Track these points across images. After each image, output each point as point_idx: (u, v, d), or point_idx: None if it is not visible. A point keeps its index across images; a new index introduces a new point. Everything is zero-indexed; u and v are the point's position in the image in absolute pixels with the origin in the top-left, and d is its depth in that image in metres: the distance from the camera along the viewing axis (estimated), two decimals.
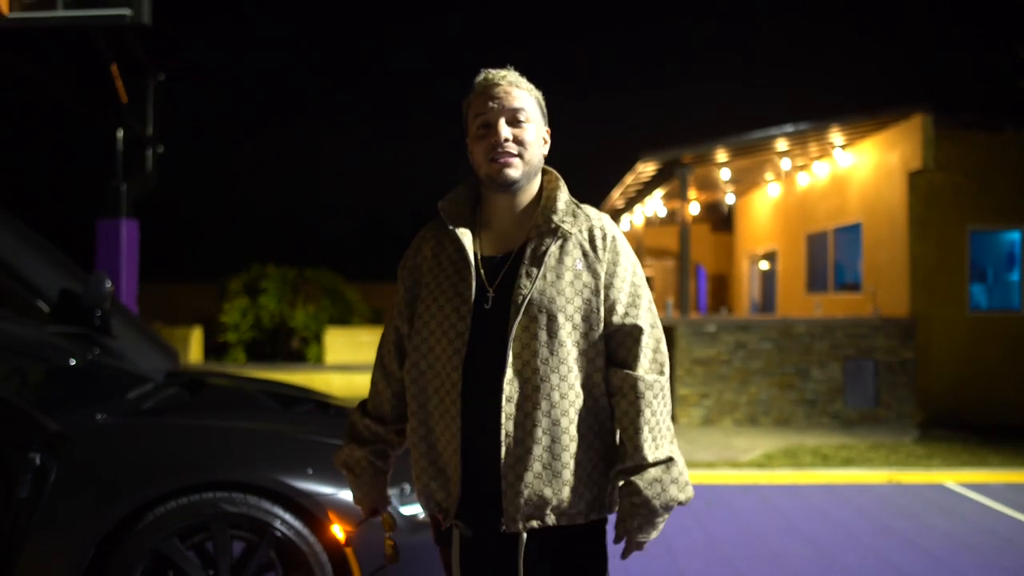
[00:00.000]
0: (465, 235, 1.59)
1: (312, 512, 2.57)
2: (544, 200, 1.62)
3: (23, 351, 3.59)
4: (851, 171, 10.53)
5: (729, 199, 14.66)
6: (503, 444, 1.51)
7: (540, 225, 1.58)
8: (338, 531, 2.56)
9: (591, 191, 16.25)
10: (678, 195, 9.89)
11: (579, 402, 1.54)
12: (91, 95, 6.32)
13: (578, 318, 1.54)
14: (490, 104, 1.57)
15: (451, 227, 1.60)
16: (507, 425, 1.51)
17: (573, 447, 1.53)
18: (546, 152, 1.65)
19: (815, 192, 11.81)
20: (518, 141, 1.56)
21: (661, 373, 1.59)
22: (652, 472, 1.53)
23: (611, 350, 1.59)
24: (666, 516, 1.56)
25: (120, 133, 6.44)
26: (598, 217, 1.64)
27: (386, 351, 1.71)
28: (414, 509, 2.69)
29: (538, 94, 1.64)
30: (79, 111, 6.42)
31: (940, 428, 8.45)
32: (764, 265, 14.78)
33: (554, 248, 1.56)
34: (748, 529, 4.74)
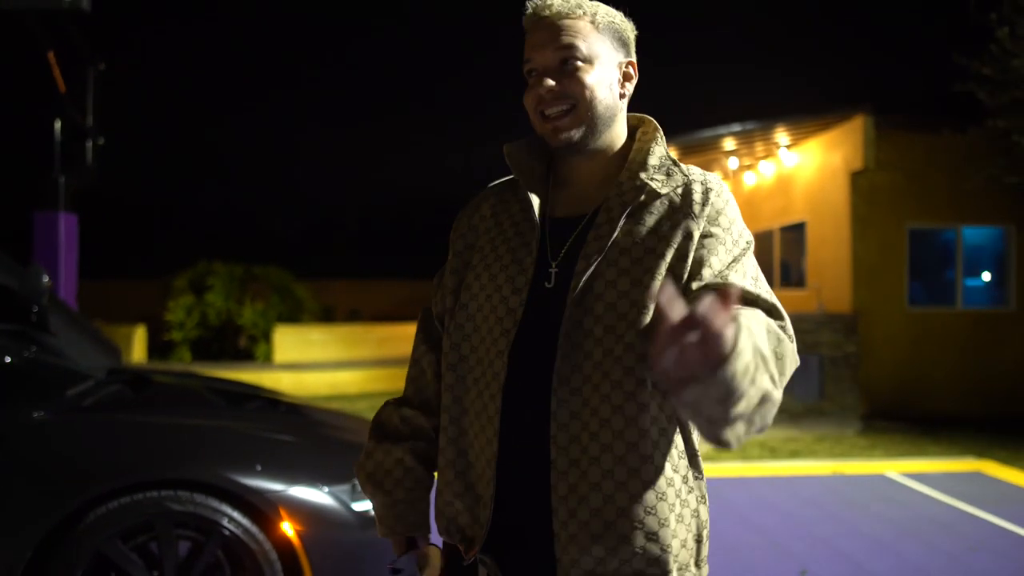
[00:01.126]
0: (534, 191, 1.27)
1: (262, 510, 2.51)
2: (635, 153, 1.28)
3: None
4: (796, 171, 10.79)
5: None
6: (554, 464, 1.14)
7: (623, 182, 1.24)
8: (288, 528, 2.51)
9: None
10: None
11: (654, 407, 1.15)
12: (27, 83, 6.08)
13: (654, 289, 1.17)
14: (534, 46, 1.24)
15: (517, 177, 1.28)
16: (559, 437, 1.14)
17: (648, 472, 1.13)
18: (628, 92, 1.28)
19: (761, 191, 12.06)
20: (567, 90, 1.21)
21: (780, 340, 1.12)
22: (752, 361, 0.98)
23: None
24: (715, 401, 0.96)
25: (58, 124, 6.22)
26: (701, 174, 1.26)
27: (430, 320, 1.38)
28: (365, 504, 2.65)
29: (608, 18, 1.25)
30: (14, 99, 6.17)
31: (882, 420, 8.73)
32: None
33: (636, 209, 1.21)
34: (741, 520, 4.81)
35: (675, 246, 1.18)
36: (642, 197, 1.22)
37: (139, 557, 2.51)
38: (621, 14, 1.28)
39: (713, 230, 1.20)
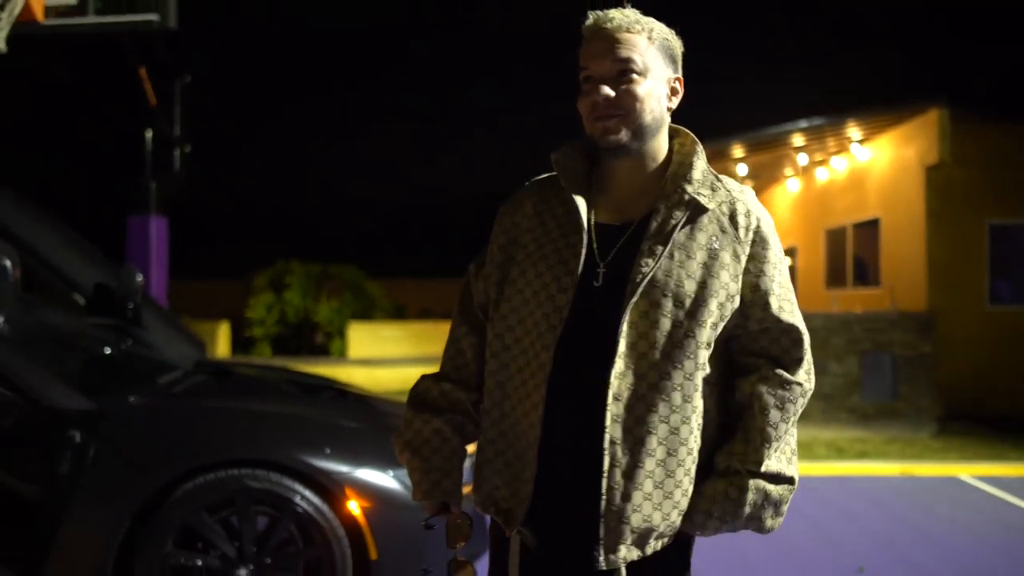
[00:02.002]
0: (579, 195, 1.33)
1: (330, 489, 2.72)
2: (675, 166, 1.35)
3: (64, 341, 3.80)
4: (869, 166, 10.51)
5: None
6: (606, 453, 1.24)
7: (670, 195, 1.31)
8: (354, 507, 2.72)
9: None
10: None
11: (702, 407, 1.29)
12: (121, 98, 6.56)
13: (712, 305, 1.27)
14: (593, 56, 1.31)
15: (564, 184, 1.34)
16: (613, 430, 1.24)
17: (689, 461, 1.28)
18: (673, 106, 1.35)
19: (834, 187, 11.79)
20: (621, 101, 1.28)
21: (808, 381, 1.36)
22: (769, 484, 1.30)
23: (761, 346, 1.34)
24: (737, 529, 1.33)
25: (149, 134, 6.68)
26: (741, 191, 1.36)
27: (470, 304, 1.46)
28: None
29: (662, 35, 1.33)
30: (110, 113, 6.67)
31: (958, 422, 8.45)
32: (787, 262, 14.75)
33: (685, 223, 1.29)
34: None
35: (727, 267, 1.29)
36: (691, 211, 1.30)
37: (222, 529, 2.76)
38: (673, 32, 1.36)
39: (769, 255, 1.33)
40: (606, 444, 1.24)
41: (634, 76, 1.29)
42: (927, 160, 8.84)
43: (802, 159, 11.20)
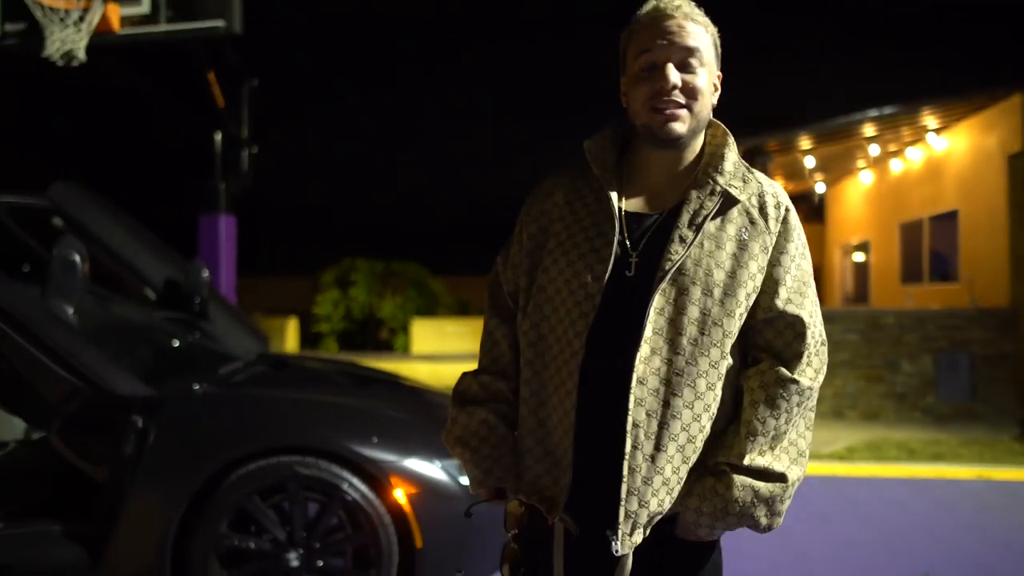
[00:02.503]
0: (610, 184, 1.34)
1: (377, 477, 2.79)
2: (708, 157, 1.35)
3: (134, 333, 4.00)
4: (946, 156, 10.06)
5: (819, 188, 14.22)
6: (628, 435, 1.24)
7: (702, 185, 1.31)
8: (400, 496, 2.78)
9: None
10: None
11: (723, 396, 1.30)
12: (192, 102, 6.84)
13: (740, 296, 1.28)
14: (659, 40, 1.28)
15: (596, 172, 1.35)
16: (636, 413, 1.25)
17: (704, 448, 1.30)
18: (715, 103, 1.36)
19: (909, 178, 11.33)
20: (688, 90, 1.29)
21: (815, 379, 1.33)
22: (756, 481, 1.28)
23: (765, 339, 1.33)
24: (733, 528, 1.31)
25: (218, 136, 6.94)
26: (771, 184, 1.37)
27: (500, 295, 1.47)
28: None
29: (714, 30, 1.35)
30: (182, 116, 6.96)
31: None
32: (859, 257, 14.27)
33: (716, 213, 1.30)
34: (821, 518, 4.71)
35: (756, 258, 1.30)
36: (722, 202, 1.30)
37: (275, 514, 2.86)
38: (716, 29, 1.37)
39: (789, 247, 1.33)
40: (628, 427, 1.24)
41: (698, 68, 1.30)
42: (1009, 148, 8.40)
43: (874, 150, 10.80)
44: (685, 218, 1.29)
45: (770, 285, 1.31)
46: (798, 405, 1.30)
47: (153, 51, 6.03)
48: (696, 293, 1.26)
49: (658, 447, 1.25)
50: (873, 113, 8.56)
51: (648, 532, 1.28)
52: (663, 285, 1.26)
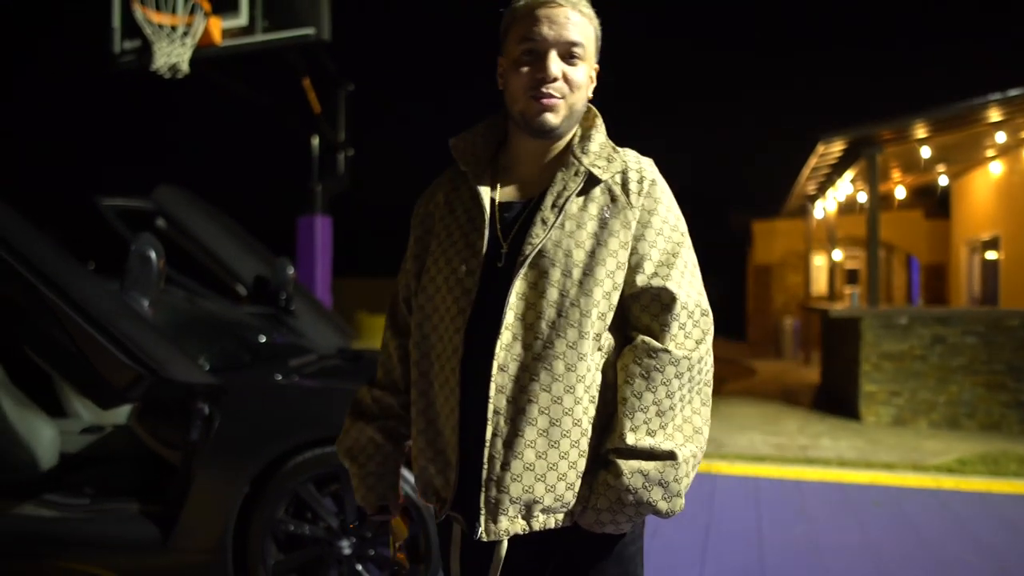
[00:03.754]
0: (480, 178, 1.34)
1: None
2: (576, 139, 1.35)
3: (222, 327, 4.24)
4: None
5: (942, 181, 13.25)
6: (489, 423, 1.24)
7: (566, 167, 1.31)
8: None
9: (774, 177, 15.39)
10: (872, 178, 9.16)
11: (591, 377, 1.26)
12: (290, 107, 7.17)
13: (600, 275, 1.26)
14: (543, 29, 1.27)
15: (463, 168, 1.36)
16: (496, 400, 1.24)
17: (576, 433, 1.25)
18: (591, 95, 1.36)
19: None
20: (568, 81, 1.29)
21: (695, 349, 1.28)
22: (644, 463, 1.24)
23: (635, 315, 1.30)
24: (638, 517, 1.27)
25: (315, 140, 7.25)
26: (636, 160, 1.35)
27: (395, 306, 1.50)
28: None
29: (597, 23, 1.34)
30: (280, 122, 7.31)
31: None
32: (991, 255, 13.18)
33: (578, 194, 1.29)
34: (916, 534, 4.38)
35: (617, 234, 1.28)
36: (584, 182, 1.30)
37: (332, 503, 2.95)
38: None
39: (653, 220, 1.31)
40: (489, 414, 1.25)
41: (579, 61, 1.30)
42: None
43: (1000, 137, 9.94)
44: (548, 201, 1.29)
45: (635, 260, 1.29)
46: (677, 377, 1.27)
47: (253, 60, 6.36)
48: (556, 275, 1.25)
49: (516, 432, 1.24)
50: (996, 96, 7.87)
51: (531, 524, 1.26)
52: (523, 270, 1.26)
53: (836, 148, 9.70)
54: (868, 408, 7.93)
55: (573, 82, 1.30)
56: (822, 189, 12.54)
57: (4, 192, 2.63)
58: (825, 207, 13.00)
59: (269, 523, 2.82)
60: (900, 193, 13.12)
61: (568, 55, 1.29)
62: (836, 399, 9.13)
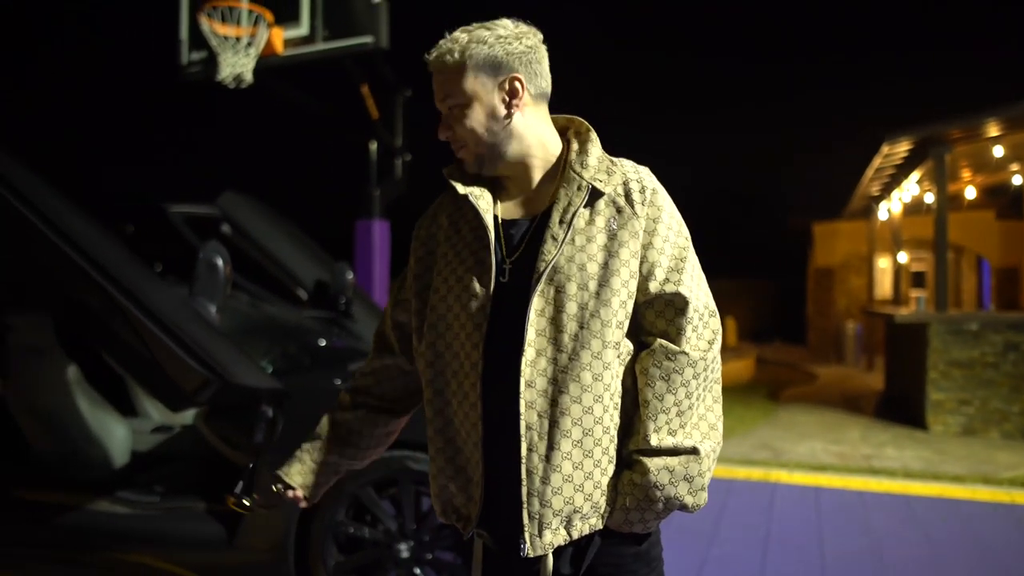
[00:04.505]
0: (482, 197, 1.38)
1: None
2: (573, 155, 1.39)
3: (282, 331, 4.35)
4: None
5: (1016, 180, 12.70)
6: (523, 439, 1.27)
7: (568, 183, 1.35)
8: None
9: (833, 178, 14.97)
10: (940, 178, 8.84)
11: (615, 385, 1.31)
12: (348, 114, 7.30)
13: (616, 285, 1.31)
14: (434, 92, 1.38)
15: (461, 190, 1.39)
16: (528, 416, 1.27)
17: (606, 440, 1.30)
18: (520, 103, 1.36)
19: None
20: (457, 136, 1.38)
21: (708, 349, 1.35)
22: (668, 459, 1.29)
23: (649, 321, 1.36)
24: (665, 514, 1.32)
25: (373, 145, 7.36)
26: (635, 170, 1.40)
27: (380, 325, 1.59)
28: None
29: (480, 51, 1.33)
30: (339, 128, 7.45)
31: None
32: None
33: (584, 208, 1.34)
34: (987, 551, 4.22)
35: (627, 245, 1.33)
36: (588, 196, 1.34)
37: (391, 506, 3.00)
38: (496, 32, 1.34)
39: (659, 228, 1.36)
40: (522, 430, 1.28)
41: (459, 111, 1.35)
42: None
43: None
44: (556, 217, 1.33)
45: (646, 268, 1.35)
46: (694, 378, 1.32)
47: (313, 69, 6.51)
48: (572, 289, 1.30)
49: (552, 446, 1.28)
50: None
51: (571, 533, 1.30)
52: (540, 286, 1.30)
53: (902, 148, 9.40)
54: (935, 417, 7.66)
55: (464, 132, 1.36)
56: (887, 190, 12.18)
57: (78, 197, 2.75)
58: (890, 208, 12.61)
59: (330, 525, 2.88)
60: (970, 193, 12.63)
61: (450, 111, 1.37)
62: (901, 407, 8.85)
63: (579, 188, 1.34)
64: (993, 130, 8.88)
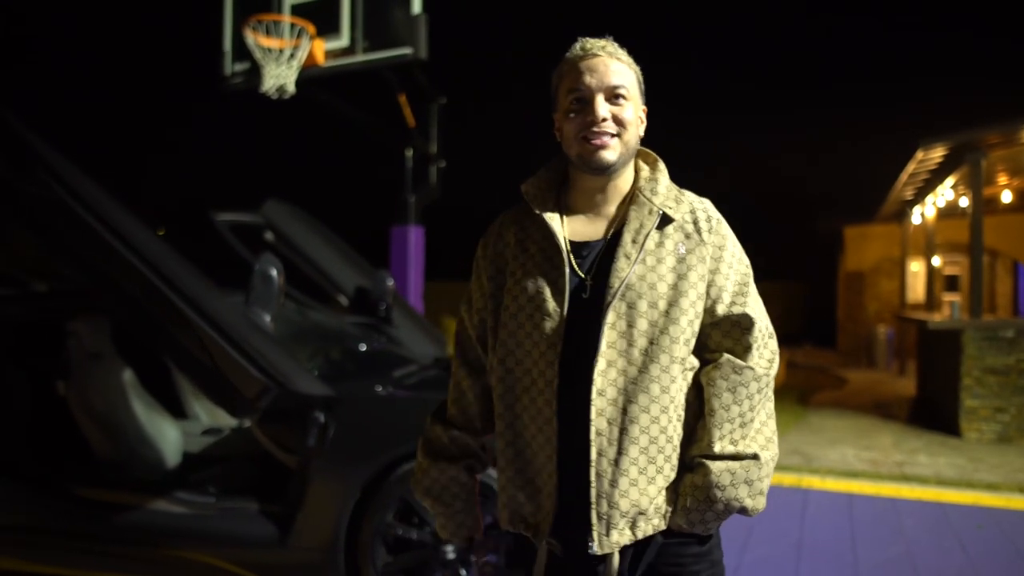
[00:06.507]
0: (553, 219, 1.45)
1: None
2: (643, 182, 1.48)
3: (327, 337, 4.49)
4: None
5: None
6: (593, 444, 1.35)
7: (639, 207, 1.44)
8: None
9: (867, 182, 14.82)
10: (975, 184, 8.76)
11: (680, 397, 1.40)
12: (385, 122, 7.44)
13: (684, 305, 1.39)
14: (586, 78, 1.42)
15: (537, 211, 1.46)
16: (598, 423, 1.35)
17: (669, 449, 1.39)
18: (642, 134, 1.49)
19: None
20: (617, 121, 1.42)
21: (769, 368, 1.45)
22: (730, 463, 1.37)
23: (716, 341, 1.45)
24: (725, 515, 1.39)
25: (409, 152, 7.50)
26: (700, 201, 1.50)
27: (467, 344, 1.57)
28: None
29: (637, 68, 1.48)
30: (377, 136, 7.60)
31: None
32: None
33: (654, 232, 1.42)
34: (1020, 558, 4.23)
35: (695, 268, 1.43)
36: (659, 221, 1.43)
37: None
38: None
39: (724, 255, 1.47)
40: (592, 436, 1.36)
41: (625, 101, 1.44)
42: None
43: None
44: (628, 237, 1.41)
45: (714, 292, 1.44)
46: (758, 392, 1.42)
47: (352, 78, 6.64)
48: (643, 306, 1.38)
49: (620, 451, 1.36)
50: None
51: (635, 533, 1.37)
52: (614, 302, 1.37)
53: (937, 154, 9.33)
54: (969, 424, 7.61)
55: (623, 120, 1.43)
56: (920, 194, 12.06)
57: (135, 206, 2.89)
58: (923, 212, 12.49)
59: (379, 527, 3.00)
60: (1007, 197, 12.46)
61: (613, 97, 1.43)
62: (934, 413, 8.78)
63: (650, 212, 1.43)
64: None
